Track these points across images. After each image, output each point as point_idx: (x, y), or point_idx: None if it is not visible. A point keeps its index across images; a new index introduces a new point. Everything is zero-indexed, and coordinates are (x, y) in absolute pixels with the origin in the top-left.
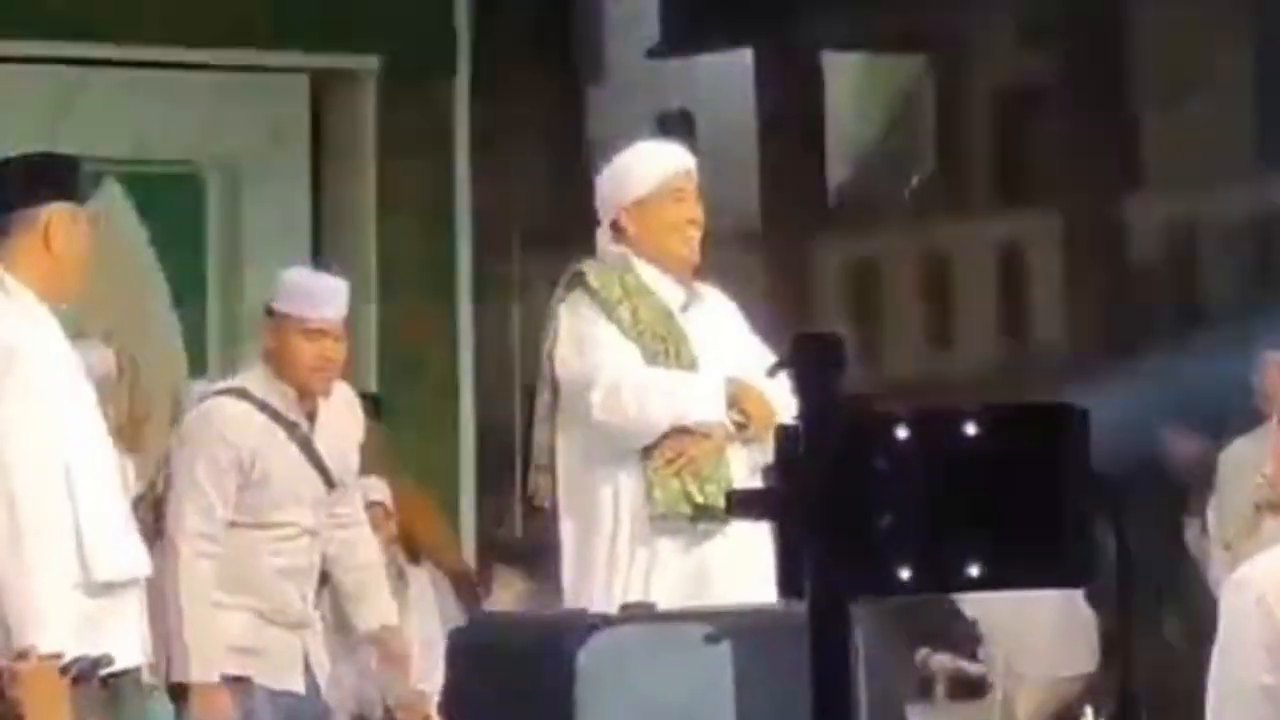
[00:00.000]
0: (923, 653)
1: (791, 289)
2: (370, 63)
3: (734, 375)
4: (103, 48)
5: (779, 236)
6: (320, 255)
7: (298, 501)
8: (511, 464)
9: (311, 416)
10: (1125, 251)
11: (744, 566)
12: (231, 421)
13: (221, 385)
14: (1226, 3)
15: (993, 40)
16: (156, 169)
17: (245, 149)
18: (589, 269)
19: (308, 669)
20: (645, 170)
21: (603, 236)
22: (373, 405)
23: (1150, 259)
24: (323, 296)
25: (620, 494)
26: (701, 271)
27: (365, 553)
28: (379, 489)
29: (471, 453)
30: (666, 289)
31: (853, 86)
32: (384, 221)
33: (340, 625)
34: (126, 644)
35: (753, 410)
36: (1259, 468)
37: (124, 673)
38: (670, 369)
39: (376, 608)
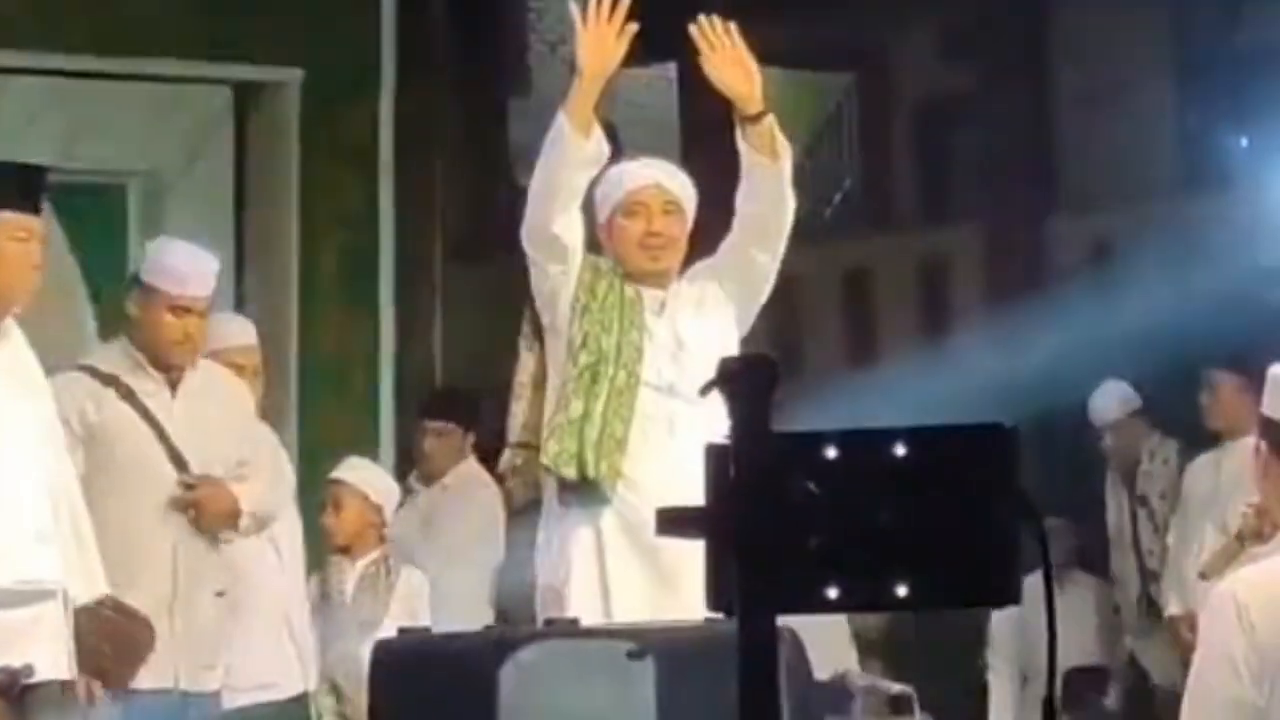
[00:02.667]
0: (841, 670)
1: None
2: (294, 75)
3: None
4: (24, 56)
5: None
6: (243, 266)
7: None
8: None
9: (173, 389)
10: (1047, 266)
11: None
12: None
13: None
14: (1148, 19)
15: (915, 55)
16: (79, 179)
17: (168, 160)
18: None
19: None
20: (608, 189)
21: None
22: None
23: (1071, 274)
24: (193, 274)
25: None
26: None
27: None
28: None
29: (391, 463)
30: (646, 295)
31: (775, 100)
32: (306, 234)
33: None
34: (47, 656)
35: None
36: (1226, 489)
37: (42, 685)
38: (606, 354)
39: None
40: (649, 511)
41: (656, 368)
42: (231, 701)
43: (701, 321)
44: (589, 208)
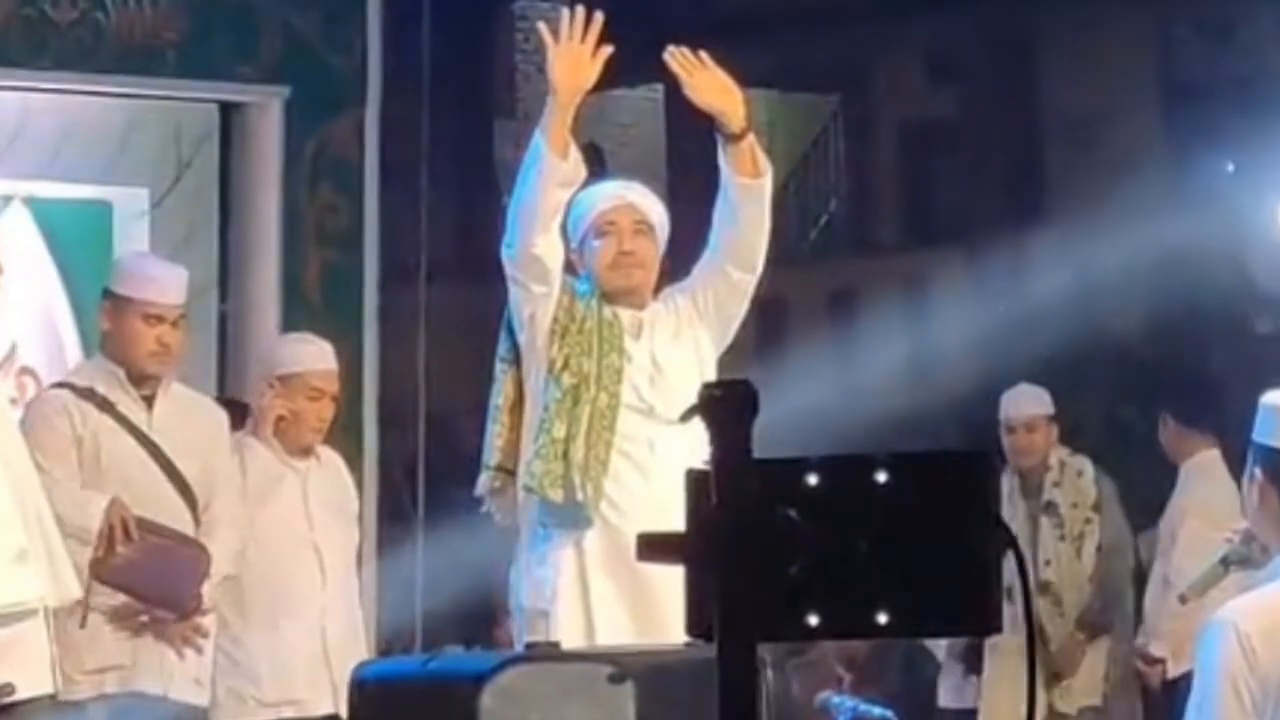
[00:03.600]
0: (824, 695)
1: None
2: (279, 92)
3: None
4: (8, 72)
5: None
6: (226, 283)
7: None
8: (414, 494)
9: (149, 403)
10: (1029, 287)
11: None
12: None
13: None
14: (1134, 44)
15: (900, 79)
16: (62, 195)
17: (153, 176)
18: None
19: None
20: (579, 211)
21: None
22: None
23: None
24: (163, 281)
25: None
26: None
27: None
28: None
29: (374, 482)
30: (621, 316)
31: (762, 122)
32: (290, 251)
33: None
34: (29, 672)
35: None
36: (1212, 516)
37: (29, 700)
38: (586, 374)
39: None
40: (632, 533)
41: (636, 390)
42: (257, 715)
43: (678, 344)
44: (561, 231)
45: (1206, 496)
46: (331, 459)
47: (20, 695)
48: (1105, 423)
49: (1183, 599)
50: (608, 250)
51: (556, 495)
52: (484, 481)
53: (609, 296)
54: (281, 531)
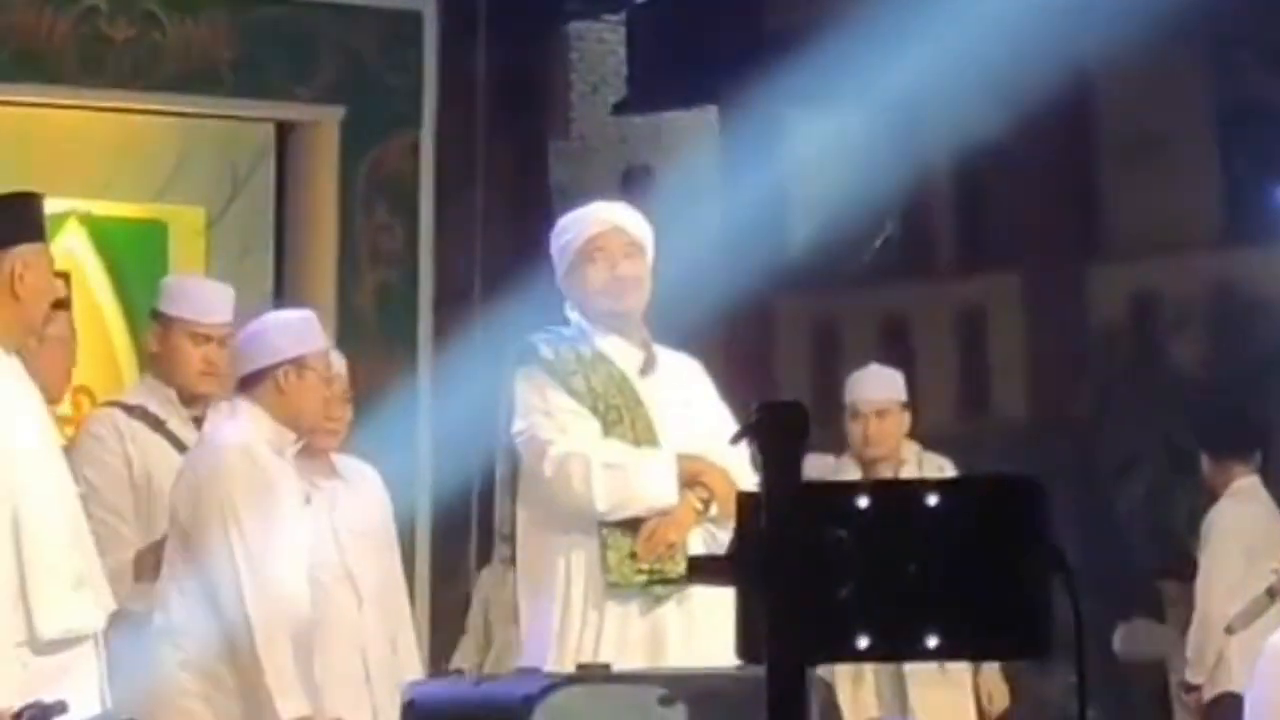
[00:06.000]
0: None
1: (752, 348)
2: (335, 113)
3: (689, 452)
4: (66, 90)
5: (740, 296)
6: (282, 303)
7: None
8: (468, 517)
9: (199, 423)
10: (1086, 317)
11: (699, 633)
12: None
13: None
14: (1190, 68)
15: (956, 102)
16: (119, 213)
17: (209, 196)
18: (541, 341)
19: None
20: (565, 240)
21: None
22: None
23: (1111, 321)
24: (209, 301)
25: (573, 560)
26: (651, 324)
27: None
28: None
29: (428, 505)
30: (622, 353)
31: (817, 147)
32: (346, 271)
33: None
34: (81, 696)
35: (716, 487)
36: (1248, 539)
37: None
38: (626, 438)
39: None
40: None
41: (667, 433)
42: None
43: (687, 393)
44: (546, 256)
45: (1242, 522)
46: (360, 475)
47: (72, 717)
48: (1163, 451)
49: (1229, 630)
50: (598, 275)
51: (640, 578)
52: (503, 550)
53: (601, 323)
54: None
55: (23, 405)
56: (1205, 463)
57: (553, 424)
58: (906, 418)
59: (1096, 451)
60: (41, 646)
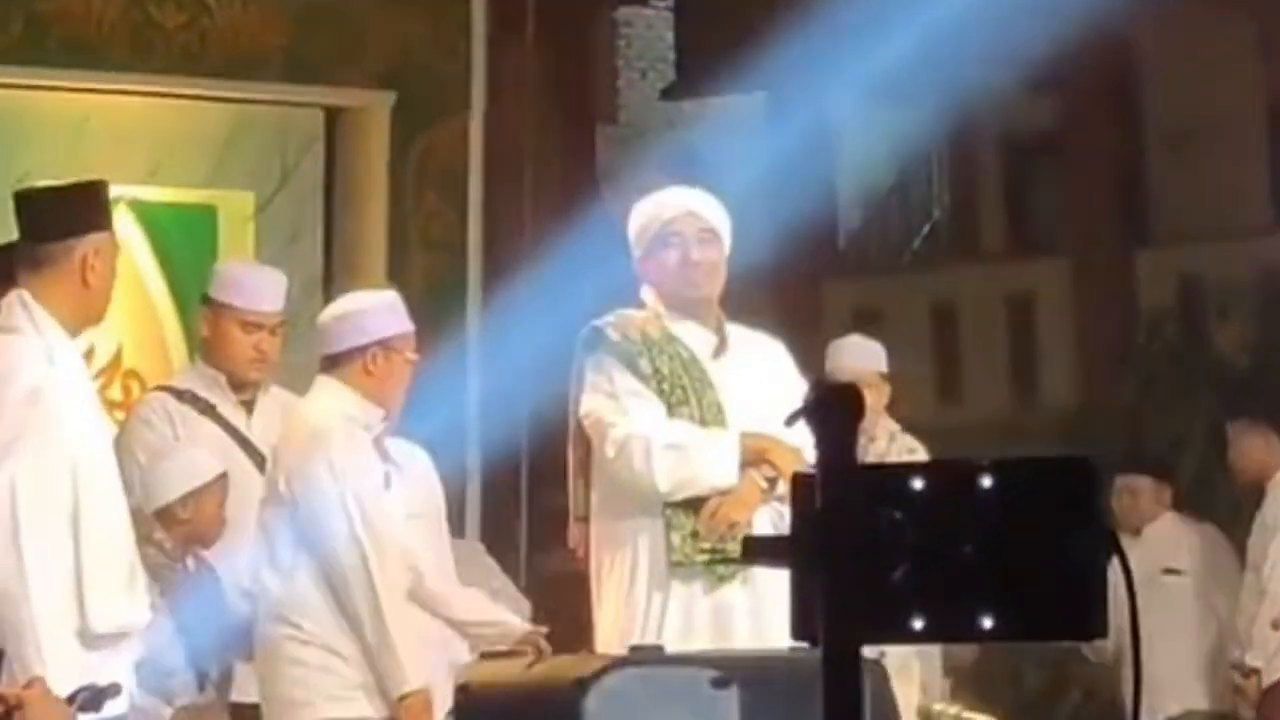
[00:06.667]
0: (925, 701)
1: (800, 333)
2: (385, 98)
3: (755, 430)
4: (115, 77)
5: (788, 281)
6: (330, 289)
7: None
8: (517, 498)
9: (248, 408)
10: (1134, 302)
11: (765, 612)
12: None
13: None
14: (1239, 53)
15: (1004, 88)
16: (168, 201)
17: (258, 182)
18: (608, 325)
19: None
20: (643, 220)
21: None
22: None
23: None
24: (261, 289)
25: (639, 542)
26: (728, 311)
27: None
28: None
29: (477, 487)
30: (694, 335)
31: (865, 132)
32: (394, 256)
33: None
34: (126, 686)
35: (783, 465)
36: None
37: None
38: (693, 420)
39: None
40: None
41: (737, 414)
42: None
43: (756, 374)
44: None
45: None
46: (412, 458)
47: (111, 713)
48: (1208, 437)
49: (1275, 625)
50: (674, 260)
51: (703, 556)
52: (575, 534)
53: (674, 306)
54: None
55: (85, 398)
56: (1256, 446)
57: (616, 406)
58: (886, 390)
59: (1143, 436)
60: (91, 640)
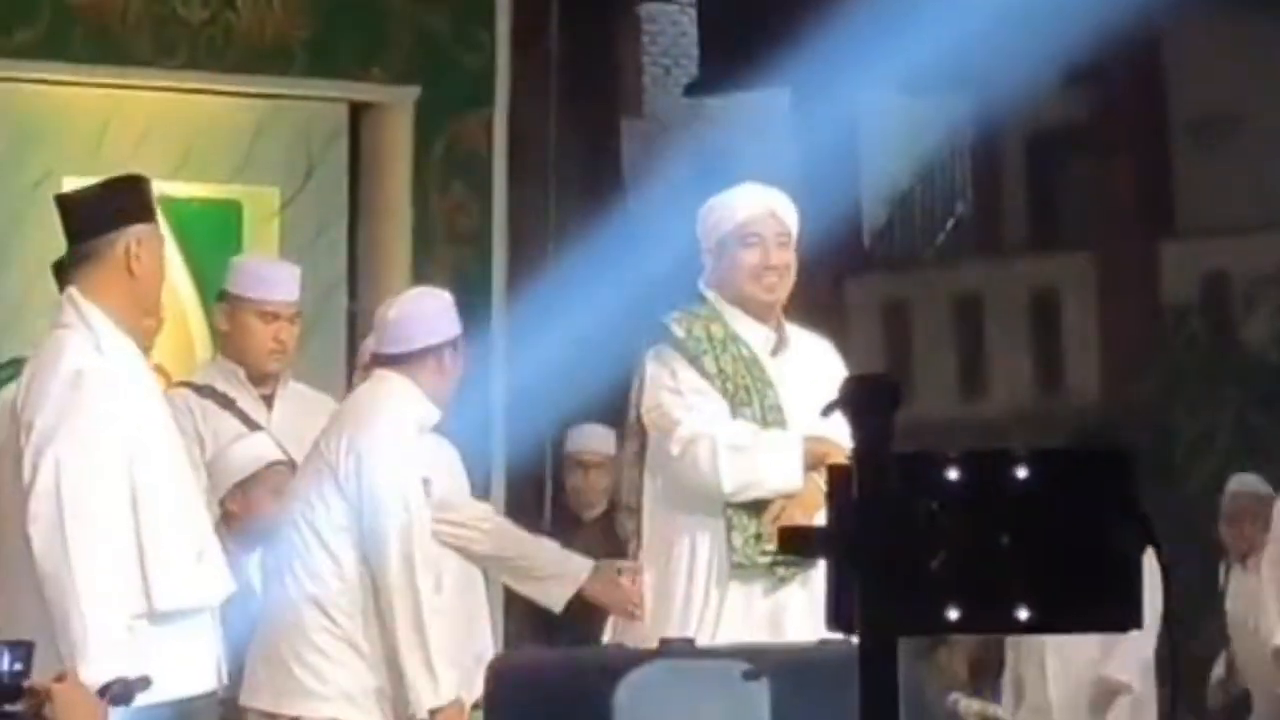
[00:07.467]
0: (953, 697)
1: (825, 329)
2: (409, 93)
3: (817, 434)
4: (138, 72)
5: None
6: (355, 283)
7: None
8: (542, 492)
9: (268, 402)
10: (1159, 296)
11: (820, 614)
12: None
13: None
14: (1265, 45)
15: (1028, 81)
16: (192, 195)
17: (282, 176)
18: (673, 320)
19: None
20: (724, 213)
21: (704, 275)
22: None
23: (1182, 299)
24: (276, 280)
25: (698, 539)
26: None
27: None
28: None
29: (502, 481)
30: (754, 334)
31: (888, 128)
32: (419, 251)
33: None
34: (197, 669)
35: None
36: None
37: (195, 698)
38: (755, 419)
39: None
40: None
41: (796, 414)
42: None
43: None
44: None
45: None
46: (439, 450)
47: (187, 692)
48: (1235, 430)
49: None
50: (751, 261)
51: (765, 558)
52: (625, 524)
53: (740, 305)
54: None
55: (143, 384)
56: None
57: (681, 403)
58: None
59: (1168, 429)
60: (158, 617)
